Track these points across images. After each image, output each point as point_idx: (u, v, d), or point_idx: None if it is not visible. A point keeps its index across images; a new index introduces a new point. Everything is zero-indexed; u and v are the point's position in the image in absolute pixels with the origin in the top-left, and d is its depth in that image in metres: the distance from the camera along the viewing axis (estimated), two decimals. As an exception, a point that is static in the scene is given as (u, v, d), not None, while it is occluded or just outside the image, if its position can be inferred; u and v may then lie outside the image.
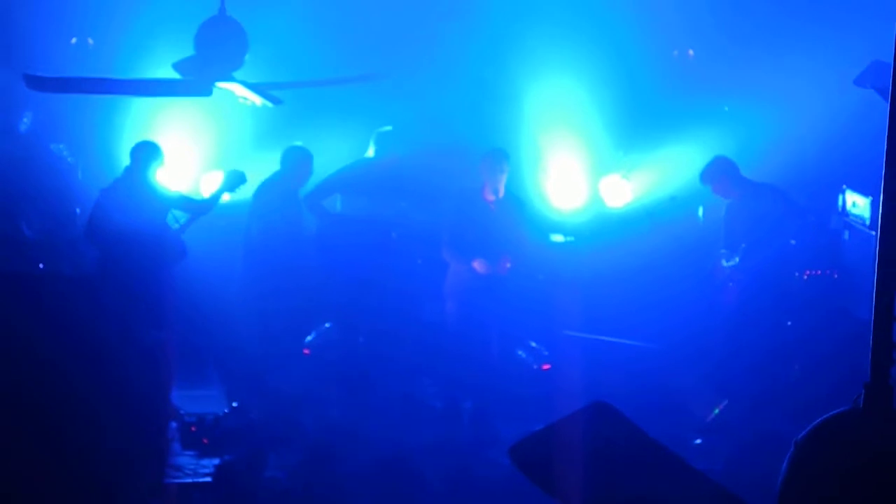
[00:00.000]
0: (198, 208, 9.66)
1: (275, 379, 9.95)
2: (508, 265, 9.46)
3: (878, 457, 3.23)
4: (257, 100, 9.73)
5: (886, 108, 3.56)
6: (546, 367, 10.09)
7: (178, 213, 9.60)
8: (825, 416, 3.35)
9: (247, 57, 9.39)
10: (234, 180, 9.74)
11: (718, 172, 9.76)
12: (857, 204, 10.06)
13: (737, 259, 9.67)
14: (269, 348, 10.14)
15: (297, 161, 10.28)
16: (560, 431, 3.99)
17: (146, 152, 9.49)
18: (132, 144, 9.63)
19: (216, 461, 8.18)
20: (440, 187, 10.25)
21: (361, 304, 10.33)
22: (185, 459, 8.54)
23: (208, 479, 7.90)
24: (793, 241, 9.87)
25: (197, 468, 8.29)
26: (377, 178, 10.65)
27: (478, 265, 9.40)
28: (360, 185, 10.66)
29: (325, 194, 10.56)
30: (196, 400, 9.61)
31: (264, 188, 10.28)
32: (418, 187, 10.64)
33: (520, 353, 10.25)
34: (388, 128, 10.78)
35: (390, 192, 10.69)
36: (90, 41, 12.03)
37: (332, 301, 10.48)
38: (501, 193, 9.50)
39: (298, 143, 10.49)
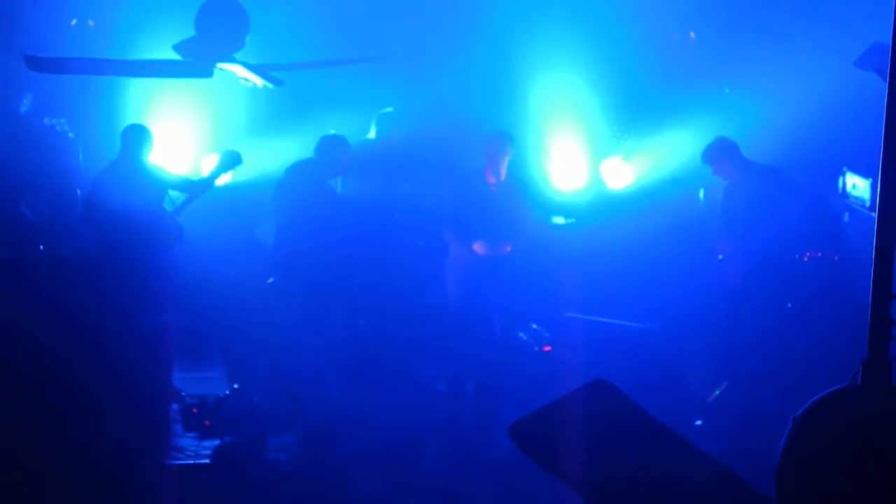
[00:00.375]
0: (194, 189, 9.64)
1: (276, 361, 9.97)
2: (508, 248, 9.46)
3: (875, 432, 3.25)
4: (258, 81, 9.72)
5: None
6: (547, 348, 10.10)
7: (175, 194, 9.59)
8: (823, 393, 3.36)
9: (248, 38, 9.38)
10: (230, 160, 9.71)
11: (720, 153, 9.76)
12: (858, 186, 10.05)
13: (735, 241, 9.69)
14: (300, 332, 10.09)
15: (330, 149, 10.12)
16: (560, 409, 4.01)
17: (136, 135, 9.47)
18: (124, 127, 9.60)
19: (216, 443, 8.19)
20: (442, 169, 10.25)
21: (363, 286, 10.34)
22: (187, 441, 8.56)
23: (209, 460, 7.92)
24: (792, 225, 9.88)
25: (198, 450, 8.30)
26: (378, 160, 10.64)
27: (478, 247, 9.40)
28: (362, 166, 10.65)
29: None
30: (198, 382, 9.63)
31: (294, 172, 10.15)
32: (420, 168, 10.64)
33: (521, 334, 10.26)
34: (390, 109, 10.76)
35: (392, 174, 10.68)
36: (90, 23, 12.01)
37: (335, 282, 10.49)
38: (503, 176, 9.49)
39: (333, 132, 10.38)
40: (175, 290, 9.41)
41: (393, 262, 10.32)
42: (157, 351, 8.53)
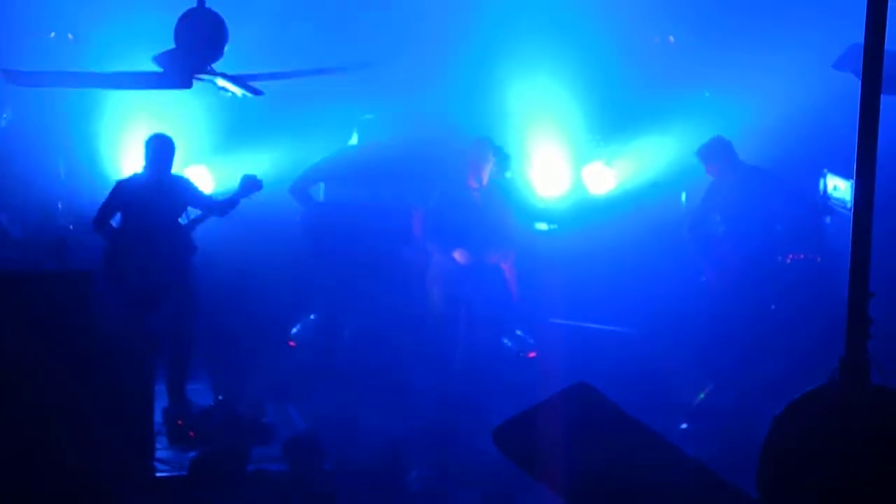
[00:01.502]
0: (214, 209, 9.51)
1: (262, 371, 9.96)
2: (499, 259, 9.42)
3: (852, 429, 3.25)
4: (238, 91, 9.70)
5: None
6: (532, 354, 10.10)
7: (191, 209, 9.50)
8: (802, 392, 3.37)
9: (227, 48, 9.36)
10: (250, 186, 9.54)
11: (718, 152, 9.75)
12: (839, 187, 10.08)
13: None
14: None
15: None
16: (541, 413, 4.01)
17: (161, 145, 9.40)
18: (148, 137, 9.44)
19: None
20: (423, 174, 10.25)
21: (349, 293, 10.36)
22: (171, 453, 8.53)
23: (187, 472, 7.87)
24: (778, 227, 9.90)
25: (183, 462, 8.26)
26: (360, 166, 10.61)
27: (458, 255, 9.37)
28: (344, 172, 10.62)
29: (310, 182, 10.53)
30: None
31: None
32: (401, 175, 10.62)
33: (505, 341, 10.25)
34: (371, 116, 10.76)
35: (373, 180, 10.65)
36: (70, 36, 11.98)
37: (320, 290, 10.51)
38: (486, 182, 9.48)
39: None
40: (182, 300, 9.38)
41: (380, 269, 10.34)
42: (144, 362, 8.46)
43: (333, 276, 10.35)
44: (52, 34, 12.03)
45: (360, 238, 10.35)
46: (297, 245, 10.52)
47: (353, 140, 10.77)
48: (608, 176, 11.22)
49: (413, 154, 10.58)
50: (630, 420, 3.85)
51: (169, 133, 9.90)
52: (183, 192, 9.43)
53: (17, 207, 11.10)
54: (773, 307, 9.77)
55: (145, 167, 9.37)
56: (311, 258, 10.44)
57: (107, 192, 9.50)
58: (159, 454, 8.24)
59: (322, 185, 10.84)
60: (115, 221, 9.38)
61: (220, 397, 9.21)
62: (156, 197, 9.23)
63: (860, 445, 3.25)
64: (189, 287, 9.42)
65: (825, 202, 10.28)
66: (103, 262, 9.32)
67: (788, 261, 10.01)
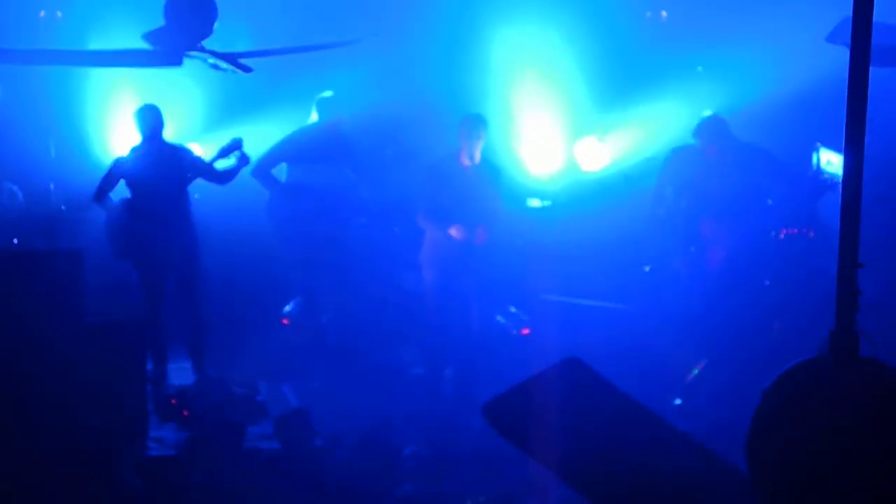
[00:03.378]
0: (212, 178, 9.46)
1: (255, 349, 9.97)
2: (484, 236, 9.41)
3: (841, 401, 3.25)
4: (228, 69, 9.67)
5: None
6: (525, 331, 10.10)
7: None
8: (791, 365, 3.37)
9: (216, 25, 9.33)
10: (232, 146, 9.49)
11: (715, 130, 9.69)
12: (832, 162, 10.05)
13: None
14: None
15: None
16: (532, 388, 4.00)
17: (156, 115, 9.36)
18: (139, 108, 9.44)
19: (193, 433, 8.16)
20: (383, 151, 10.25)
21: (338, 274, 10.36)
22: (165, 432, 8.53)
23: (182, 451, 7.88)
24: (770, 202, 9.89)
25: (177, 441, 8.27)
26: (320, 145, 10.53)
27: (454, 232, 9.35)
28: (304, 152, 10.54)
29: (273, 163, 10.46)
30: (176, 372, 9.62)
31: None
32: (361, 152, 10.57)
33: (499, 318, 10.25)
34: (329, 93, 10.67)
35: (333, 158, 10.57)
36: (59, 14, 11.91)
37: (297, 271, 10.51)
38: (478, 159, 9.46)
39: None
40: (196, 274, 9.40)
41: (367, 249, 10.32)
42: (138, 339, 8.46)
43: (304, 258, 10.34)
44: (42, 13, 11.97)
45: (326, 218, 10.33)
46: (264, 227, 10.52)
47: (314, 117, 10.68)
48: (601, 152, 11.18)
49: (375, 131, 10.54)
50: (622, 396, 3.85)
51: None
52: (183, 159, 9.41)
53: (10, 185, 11.09)
54: (766, 283, 9.77)
55: (143, 139, 9.33)
56: (278, 241, 10.44)
57: (98, 171, 9.48)
58: (153, 433, 8.25)
59: (284, 165, 10.73)
60: (116, 196, 9.38)
61: (215, 376, 9.21)
62: (159, 167, 9.22)
63: (848, 417, 3.25)
64: (197, 260, 9.44)
65: (824, 180, 10.21)
66: (109, 236, 9.32)
67: (781, 236, 10.00)
